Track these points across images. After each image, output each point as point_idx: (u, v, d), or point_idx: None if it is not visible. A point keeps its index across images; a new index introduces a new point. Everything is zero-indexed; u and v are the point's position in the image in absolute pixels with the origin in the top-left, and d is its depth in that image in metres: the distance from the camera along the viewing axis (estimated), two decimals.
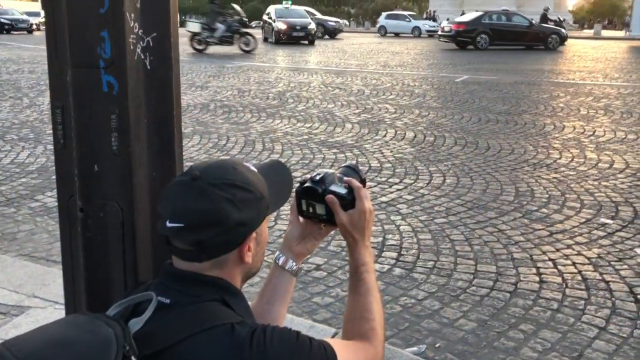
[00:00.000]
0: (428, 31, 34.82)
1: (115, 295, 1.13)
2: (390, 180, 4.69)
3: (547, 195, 4.29)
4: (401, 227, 3.66)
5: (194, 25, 18.09)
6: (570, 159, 5.36)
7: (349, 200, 1.13)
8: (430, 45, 25.06)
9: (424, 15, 45.07)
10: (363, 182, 1.19)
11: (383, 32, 36.01)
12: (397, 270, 3.06)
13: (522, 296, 2.78)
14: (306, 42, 24.36)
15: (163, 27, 1.11)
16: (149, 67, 1.10)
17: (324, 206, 1.13)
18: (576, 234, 3.57)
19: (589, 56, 19.13)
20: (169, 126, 1.16)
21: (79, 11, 1.05)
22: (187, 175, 0.94)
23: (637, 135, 6.43)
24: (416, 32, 35.03)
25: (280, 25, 23.87)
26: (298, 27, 24.05)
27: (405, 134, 6.47)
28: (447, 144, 5.98)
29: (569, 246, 3.38)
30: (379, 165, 5.14)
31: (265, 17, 26.79)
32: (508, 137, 6.34)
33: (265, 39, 25.87)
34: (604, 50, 22.09)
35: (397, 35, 35.20)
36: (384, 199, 4.21)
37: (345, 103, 8.50)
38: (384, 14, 40.13)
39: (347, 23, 77.55)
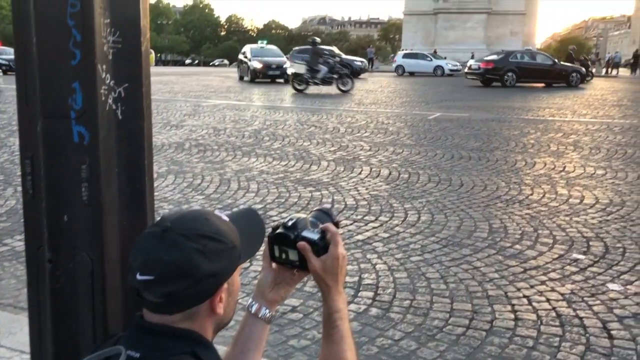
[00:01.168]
0: (452, 70, 34.04)
1: (84, 347, 1.11)
2: (366, 218, 4.71)
3: (520, 232, 4.35)
4: (377, 266, 3.66)
5: (299, 67, 18.94)
6: (542, 195, 5.46)
7: (322, 246, 1.13)
8: (401, 83, 25.56)
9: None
10: (336, 225, 1.20)
11: (400, 71, 34.63)
12: (374, 310, 3.04)
13: (498, 334, 2.79)
14: (282, 80, 24.63)
15: (135, 77, 1.12)
16: (120, 117, 1.10)
17: (296, 252, 1.13)
18: (549, 269, 3.61)
19: (557, 93, 19.68)
20: (140, 175, 1.16)
21: (51, 62, 1.06)
22: (158, 227, 0.94)
23: (605, 170, 6.58)
24: (439, 72, 33.75)
25: (256, 64, 24.16)
26: (274, 66, 24.36)
27: (380, 171, 6.52)
28: (421, 181, 6.04)
29: (542, 282, 3.41)
30: (354, 203, 5.16)
31: (241, 56, 27.11)
32: (481, 173, 6.43)
33: (241, 78, 26.13)
34: (573, 87, 22.74)
35: (411, 74, 33.89)
36: (360, 237, 4.22)
37: (321, 141, 8.57)
38: (400, 52, 38.79)
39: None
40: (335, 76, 18.61)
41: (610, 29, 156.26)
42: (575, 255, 3.86)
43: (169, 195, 5.31)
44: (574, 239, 4.19)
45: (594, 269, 3.63)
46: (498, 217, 4.73)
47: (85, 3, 1.02)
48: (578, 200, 5.26)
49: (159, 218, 1.00)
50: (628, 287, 3.36)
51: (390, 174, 6.40)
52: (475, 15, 46.91)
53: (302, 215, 1.19)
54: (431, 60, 35.18)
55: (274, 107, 13.60)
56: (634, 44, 59.14)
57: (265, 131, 9.45)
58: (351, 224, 4.52)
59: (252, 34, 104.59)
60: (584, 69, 25.18)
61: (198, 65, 75.82)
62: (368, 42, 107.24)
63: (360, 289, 3.32)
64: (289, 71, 19.66)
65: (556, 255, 3.85)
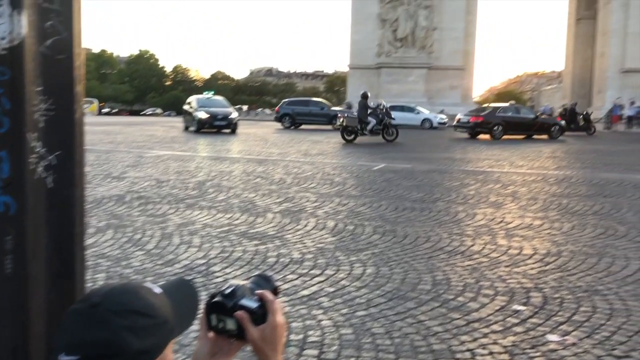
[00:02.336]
0: (440, 123, 34.26)
1: None
2: (312, 272, 4.67)
3: (462, 283, 4.41)
4: (322, 322, 3.61)
5: (351, 120, 20.55)
6: (482, 246, 5.58)
7: (260, 315, 1.11)
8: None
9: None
10: (275, 291, 1.18)
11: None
12: None
13: None
14: (228, 130, 24.68)
15: (68, 144, 1.09)
16: (51, 186, 1.07)
17: (234, 321, 1.10)
18: (492, 322, 3.66)
19: (485, 145, 20.49)
20: (70, 245, 1.11)
21: None
22: (85, 303, 0.90)
23: (542, 221, 6.83)
24: (427, 125, 33.93)
25: (202, 115, 24.15)
26: (220, 117, 24.43)
27: (326, 223, 6.53)
28: (367, 233, 6.08)
29: (485, 335, 3.45)
30: (300, 256, 5.13)
31: (186, 107, 27.07)
32: (424, 224, 6.54)
33: (187, 128, 26.01)
34: (509, 140, 23.74)
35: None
36: (305, 292, 4.17)
37: (267, 192, 8.55)
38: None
39: (269, 112, 79.54)
40: (381, 127, 20.39)
41: (543, 84, 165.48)
42: (516, 307, 3.93)
43: (108, 251, 5.13)
44: (514, 290, 4.29)
45: (534, 319, 3.71)
46: (441, 269, 4.79)
47: (16, 71, 0.99)
48: (517, 251, 5.41)
49: (90, 290, 0.96)
50: (566, 337, 3.43)
51: (336, 225, 6.42)
52: (417, 70, 48.75)
53: (240, 282, 1.17)
54: (418, 113, 35.15)
55: (220, 158, 13.55)
56: (564, 98, 62.64)
57: (210, 182, 9.36)
58: (297, 279, 4.48)
59: (198, 84, 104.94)
60: (563, 122, 27.08)
61: (118, 114, 74.46)
62: (314, 94, 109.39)
63: (305, 347, 3.26)
64: (338, 121, 21.68)
65: (498, 307, 3.92)
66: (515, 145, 20.06)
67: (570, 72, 61.82)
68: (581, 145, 21.56)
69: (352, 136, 20.32)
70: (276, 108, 34.72)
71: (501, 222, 6.76)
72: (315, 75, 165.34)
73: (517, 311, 3.85)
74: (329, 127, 31.12)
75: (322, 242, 5.68)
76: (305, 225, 6.38)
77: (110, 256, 4.98)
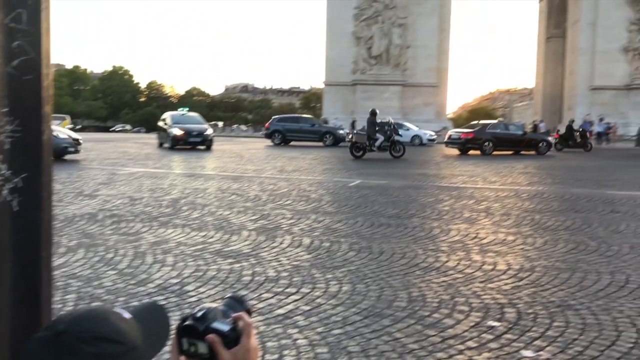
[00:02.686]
0: (430, 140, 34.53)
1: None
2: (287, 290, 4.64)
3: (437, 300, 4.43)
4: (298, 341, 3.58)
5: (360, 137, 21.23)
6: (457, 262, 5.62)
7: (233, 338, 1.09)
8: (323, 151, 26.09)
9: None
10: (248, 313, 1.16)
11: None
12: None
13: None
14: (203, 147, 24.55)
15: (35, 166, 1.07)
16: (16, 209, 1.04)
17: (206, 345, 1.08)
18: (467, 338, 3.67)
19: (468, 161, 20.75)
20: (36, 269, 1.08)
21: None
22: (51, 330, 0.87)
23: (515, 236, 6.91)
24: (417, 141, 34.00)
25: (177, 131, 24.00)
26: (195, 133, 24.31)
27: (302, 240, 6.51)
28: (342, 250, 6.07)
29: (460, 351, 3.45)
30: (276, 274, 5.09)
31: (160, 123, 26.89)
32: (399, 241, 6.57)
33: (161, 145, 25.81)
34: (484, 155, 24.07)
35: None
36: (280, 311, 4.14)
37: (242, 209, 8.50)
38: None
39: (245, 128, 79.50)
40: (389, 144, 20.93)
41: (515, 100, 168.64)
42: (490, 323, 3.95)
43: (79, 272, 5.02)
44: (488, 305, 4.31)
45: (508, 335, 3.73)
46: (417, 286, 4.80)
47: None
48: (491, 267, 5.45)
49: (57, 316, 0.94)
50: (540, 353, 3.46)
51: (312, 243, 6.40)
52: (391, 87, 49.28)
53: (212, 304, 1.15)
54: (408, 129, 35.19)
55: (194, 175, 13.44)
56: (536, 114, 63.87)
57: (184, 200, 9.27)
58: (272, 297, 4.44)
59: (173, 100, 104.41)
60: (549, 139, 28.02)
61: (82, 131, 73.43)
62: (290, 110, 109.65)
63: None
64: (343, 137, 23.36)
65: (472, 323, 3.94)
66: (500, 161, 20.34)
67: (541, 89, 63.14)
68: (555, 161, 21.96)
69: (361, 152, 20.87)
70: (266, 124, 34.54)
71: (475, 237, 6.82)
72: (291, 92, 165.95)
73: (491, 327, 3.87)
74: (320, 144, 31.20)
75: (298, 259, 5.65)
76: (281, 243, 6.35)
77: (81, 276, 4.88)
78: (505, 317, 4.07)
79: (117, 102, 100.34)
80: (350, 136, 21.73)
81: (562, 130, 31.58)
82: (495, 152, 24.99)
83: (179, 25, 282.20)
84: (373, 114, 21.77)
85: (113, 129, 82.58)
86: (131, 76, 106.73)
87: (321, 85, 58.73)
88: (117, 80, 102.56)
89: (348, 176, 13.91)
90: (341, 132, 32.46)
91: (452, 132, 27.38)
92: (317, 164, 18.05)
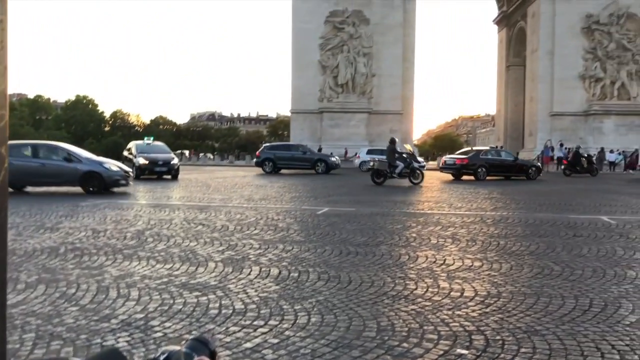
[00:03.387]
0: (420, 166, 34.41)
1: None
2: (255, 322, 4.57)
3: (406, 329, 4.41)
4: None
5: (381, 164, 22.13)
6: (425, 289, 5.63)
7: None
8: (290, 178, 26.07)
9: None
10: (213, 355, 1.13)
11: (365, 167, 33.70)
12: None
13: None
14: (169, 176, 24.30)
15: None
16: None
17: None
18: None
19: (434, 187, 21.01)
20: None
21: None
22: None
23: (481, 262, 6.98)
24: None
25: (142, 161, 23.72)
26: (160, 162, 24.06)
27: (270, 270, 6.44)
28: (311, 279, 6.03)
29: None
30: (243, 307, 5.01)
31: (125, 153, 26.55)
32: (368, 269, 6.56)
33: None
34: (447, 181, 24.41)
35: None
36: (248, 345, 4.06)
37: (209, 240, 8.39)
38: (363, 148, 37.30)
39: (212, 157, 79.05)
40: (408, 170, 21.84)
41: (478, 127, 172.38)
42: (459, 351, 3.95)
43: (38, 309, 4.85)
44: (457, 333, 4.32)
45: None
46: (385, 315, 4.78)
47: None
48: (459, 294, 5.48)
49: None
50: None
51: (280, 273, 6.34)
52: (358, 115, 49.86)
53: (176, 347, 1.11)
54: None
55: (160, 205, 13.25)
56: (498, 140, 65.34)
57: (149, 231, 9.11)
58: (239, 331, 4.36)
59: (139, 129, 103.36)
60: (539, 164, 29.95)
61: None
62: (258, 138, 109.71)
63: None
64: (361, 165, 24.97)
65: (441, 352, 3.93)
66: (488, 185, 20.63)
67: (502, 116, 64.71)
68: (540, 185, 22.42)
69: (382, 179, 21.69)
70: (257, 153, 34.29)
71: (442, 264, 6.86)
72: (259, 120, 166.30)
73: (460, 355, 3.87)
74: (312, 171, 31.11)
75: (266, 291, 5.58)
76: (249, 274, 6.27)
77: (41, 314, 4.72)
78: (473, 345, 4.08)
79: (81, 132, 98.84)
80: (372, 164, 22.97)
81: (534, 154, 33.03)
82: (487, 178, 26.05)
83: (144, 53, 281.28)
84: (392, 142, 22.84)
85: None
86: (95, 105, 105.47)
87: (288, 113, 59.05)
88: (81, 109, 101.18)
89: (316, 204, 13.91)
90: (333, 159, 32.47)
91: (447, 158, 28.48)
92: (284, 192, 18.01)
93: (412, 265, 6.78)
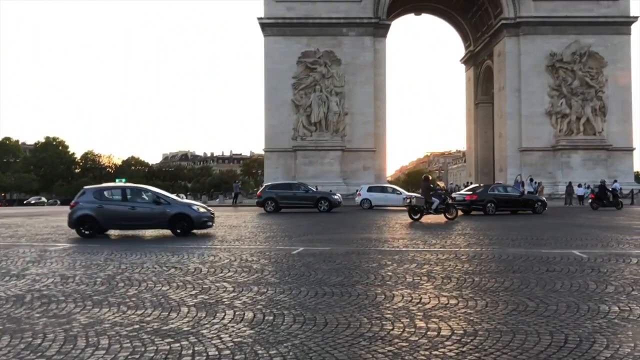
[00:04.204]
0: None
1: None
2: None
3: None
4: None
5: (419, 200, 22.76)
6: (402, 330, 5.57)
7: None
8: (264, 218, 25.90)
9: (261, 187, 45.92)
10: None
11: (367, 205, 34.33)
12: None
13: None
14: None
15: None
16: None
17: None
18: None
19: (408, 223, 21.07)
20: None
21: None
22: None
23: (457, 300, 6.96)
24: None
25: None
26: None
27: (244, 314, 6.32)
28: (286, 322, 5.92)
29: None
30: (217, 353, 4.88)
31: None
32: (344, 310, 6.48)
33: None
34: (394, 217, 24.50)
35: (370, 207, 34.15)
36: None
37: (181, 284, 8.22)
38: (363, 186, 37.19)
39: (184, 197, 78.37)
40: (444, 206, 22.55)
41: (450, 163, 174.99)
42: None
43: None
44: None
45: None
46: (362, 357, 4.71)
47: None
48: (435, 333, 5.44)
49: None
50: None
51: (254, 316, 6.22)
52: (332, 152, 50.17)
53: None
54: (400, 193, 35.10)
55: (131, 249, 12.99)
56: (470, 176, 66.29)
57: (120, 276, 8.90)
58: None
59: (110, 170, 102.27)
60: (544, 198, 30.66)
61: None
62: (231, 177, 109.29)
63: None
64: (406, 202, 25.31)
65: None
66: (495, 220, 20.74)
67: (473, 152, 65.81)
68: (543, 219, 22.65)
69: (418, 215, 22.27)
70: (258, 192, 33.96)
71: (419, 303, 6.82)
72: (232, 159, 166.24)
73: None
74: (314, 210, 30.92)
75: (240, 335, 5.46)
76: (222, 318, 6.13)
77: None
78: None
79: (50, 174, 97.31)
80: (408, 200, 23.91)
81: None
82: (498, 212, 27.20)
83: (117, 94, 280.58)
84: (426, 179, 23.89)
85: (27, 201, 79.86)
86: (66, 147, 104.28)
87: (262, 152, 59.12)
88: (51, 151, 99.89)
89: (291, 244, 13.80)
90: (336, 197, 32.42)
91: (456, 194, 29.15)
92: (259, 232, 17.85)
93: (388, 305, 6.72)
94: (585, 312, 6.27)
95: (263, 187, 34.25)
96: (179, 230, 16.35)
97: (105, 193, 16.95)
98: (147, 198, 16.92)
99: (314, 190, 33.62)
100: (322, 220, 23.80)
